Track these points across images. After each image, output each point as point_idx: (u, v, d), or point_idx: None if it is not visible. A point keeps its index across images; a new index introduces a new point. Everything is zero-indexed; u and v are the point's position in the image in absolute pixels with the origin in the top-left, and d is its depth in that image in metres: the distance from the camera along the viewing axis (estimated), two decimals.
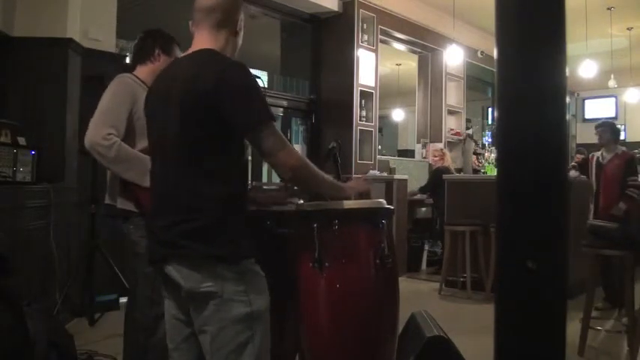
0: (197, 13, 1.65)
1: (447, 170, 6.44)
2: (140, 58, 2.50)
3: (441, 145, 7.86)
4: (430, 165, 7.42)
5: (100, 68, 4.18)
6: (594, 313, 3.87)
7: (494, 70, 0.82)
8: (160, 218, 1.57)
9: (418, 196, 6.79)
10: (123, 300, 3.63)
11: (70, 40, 4.09)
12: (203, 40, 1.64)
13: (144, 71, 2.46)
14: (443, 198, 5.70)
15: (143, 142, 2.32)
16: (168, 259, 1.54)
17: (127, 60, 4.93)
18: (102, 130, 2.22)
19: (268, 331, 1.58)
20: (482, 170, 7.96)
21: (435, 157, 6.85)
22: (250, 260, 1.56)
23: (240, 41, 1.72)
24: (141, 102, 2.34)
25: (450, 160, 6.90)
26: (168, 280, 1.58)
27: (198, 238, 1.50)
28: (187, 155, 1.53)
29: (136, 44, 2.58)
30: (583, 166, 5.15)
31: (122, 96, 2.32)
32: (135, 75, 2.45)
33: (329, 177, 1.74)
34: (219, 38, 1.64)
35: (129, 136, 2.31)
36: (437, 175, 6.31)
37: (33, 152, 3.65)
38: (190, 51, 1.65)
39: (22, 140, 3.72)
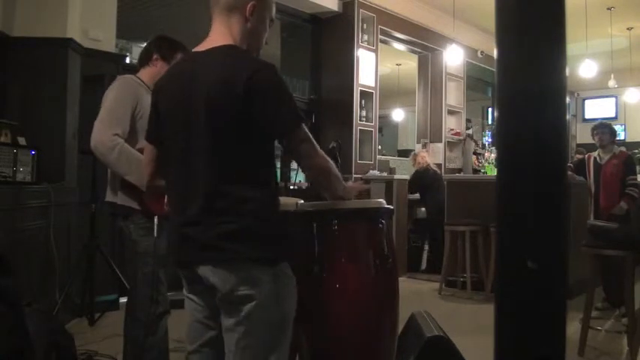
0: (212, 3, 1.60)
1: (425, 171, 6.48)
2: (141, 61, 2.56)
3: (418, 147, 7.81)
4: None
5: (100, 68, 4.19)
6: (594, 313, 3.88)
7: (494, 70, 0.82)
8: (193, 219, 1.51)
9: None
10: (123, 300, 3.63)
11: (70, 40, 4.09)
12: (217, 28, 1.58)
13: (144, 74, 2.52)
14: (431, 199, 5.74)
15: (144, 141, 2.35)
16: (205, 260, 1.50)
17: (127, 60, 4.94)
18: (107, 132, 2.27)
19: (291, 335, 1.57)
20: (482, 170, 7.96)
21: (415, 160, 6.80)
22: (285, 263, 1.54)
23: (261, 31, 1.63)
24: (143, 102, 2.39)
25: (427, 159, 6.76)
26: (196, 281, 1.54)
27: (237, 240, 1.47)
28: (223, 157, 1.49)
29: (143, 47, 2.65)
30: (579, 167, 5.15)
31: (126, 96, 2.36)
32: (137, 76, 2.51)
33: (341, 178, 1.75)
34: (231, 24, 1.57)
35: (131, 136, 2.35)
36: (414, 177, 6.45)
37: (33, 152, 3.65)
38: (208, 45, 1.57)
39: (22, 140, 3.72)
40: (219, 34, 1.57)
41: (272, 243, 1.51)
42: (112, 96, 2.37)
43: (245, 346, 1.48)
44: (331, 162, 1.64)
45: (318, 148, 1.58)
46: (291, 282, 1.56)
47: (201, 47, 1.60)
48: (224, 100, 1.46)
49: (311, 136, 1.56)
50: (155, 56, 2.51)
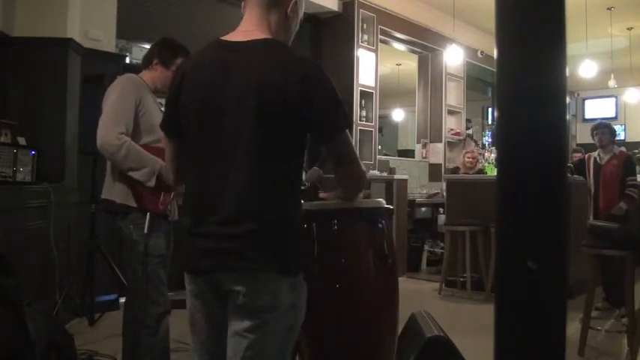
0: None
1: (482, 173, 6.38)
2: (144, 63, 2.59)
3: (472, 146, 7.49)
4: (457, 168, 6.66)
5: (100, 68, 4.19)
6: (594, 313, 3.88)
7: (494, 70, 0.82)
8: (218, 223, 1.41)
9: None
10: (123, 300, 3.63)
11: (70, 40, 4.09)
12: (252, 20, 1.49)
13: (145, 76, 2.54)
14: None
15: (147, 137, 2.38)
16: (229, 269, 1.42)
17: (127, 60, 4.94)
18: (113, 130, 2.28)
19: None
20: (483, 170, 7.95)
21: (473, 159, 6.43)
22: (302, 272, 1.48)
23: (294, 27, 1.60)
24: (145, 99, 2.41)
25: None
26: (211, 287, 1.47)
27: (265, 249, 1.39)
28: (266, 159, 1.40)
29: (148, 49, 2.67)
30: (578, 167, 5.15)
31: (129, 94, 2.38)
32: (139, 76, 2.53)
33: None
34: (270, 19, 1.50)
35: (135, 132, 2.36)
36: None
37: (33, 152, 3.65)
38: (245, 37, 1.46)
39: (22, 140, 3.72)
40: (256, 27, 1.48)
41: (295, 253, 1.45)
42: (115, 94, 2.39)
43: (253, 355, 1.41)
44: (366, 174, 1.62)
45: (358, 157, 1.55)
46: (305, 290, 1.50)
47: (235, 37, 1.48)
48: (275, 100, 1.38)
49: (353, 143, 1.53)
50: (155, 61, 2.52)
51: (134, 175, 2.30)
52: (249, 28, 1.49)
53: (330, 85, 1.45)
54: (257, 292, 1.40)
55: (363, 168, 1.58)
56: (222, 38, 1.51)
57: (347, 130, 1.48)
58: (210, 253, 1.43)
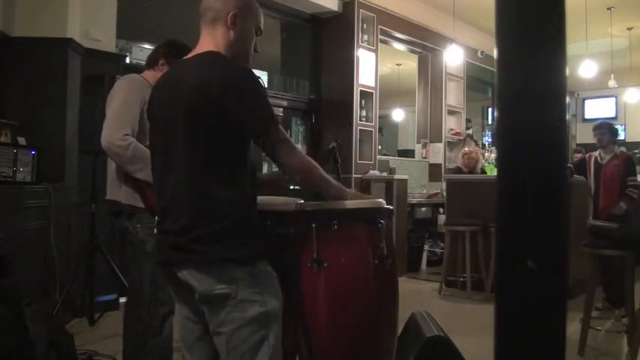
0: (201, 17, 1.69)
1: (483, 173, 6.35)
2: (148, 63, 2.59)
3: (470, 146, 7.26)
4: (460, 169, 6.43)
5: (100, 68, 4.19)
6: (594, 313, 3.88)
7: (494, 70, 0.82)
8: (170, 221, 1.57)
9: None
10: (123, 300, 3.63)
11: (70, 40, 4.09)
12: (203, 39, 1.67)
13: (149, 76, 2.53)
14: None
15: None
16: (181, 262, 1.54)
17: (127, 60, 4.94)
18: (119, 131, 2.27)
19: (280, 330, 1.60)
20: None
21: (470, 159, 6.26)
22: (263, 261, 1.58)
23: (246, 39, 1.69)
24: None
25: None
26: (179, 282, 1.58)
27: (212, 242, 1.51)
28: (198, 159, 1.54)
29: (153, 49, 2.68)
30: (579, 167, 5.15)
31: (134, 95, 2.37)
32: (142, 76, 2.53)
33: (332, 179, 1.76)
34: (215, 35, 1.65)
35: (140, 134, 2.35)
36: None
37: (33, 152, 3.65)
38: (193, 53, 1.67)
39: (22, 140, 3.73)
40: (205, 44, 1.65)
41: (247, 242, 1.55)
42: (120, 96, 2.38)
43: (233, 347, 1.52)
44: (313, 162, 1.65)
45: (296, 148, 1.62)
46: (269, 278, 1.59)
47: (188, 56, 1.68)
48: (200, 103, 1.51)
49: (288, 136, 1.59)
50: (161, 61, 2.52)
51: (141, 175, 2.29)
52: (199, 47, 1.66)
53: (254, 85, 1.55)
54: (209, 283, 1.50)
55: (305, 162, 1.63)
56: (182, 58, 1.71)
57: (278, 125, 1.56)
58: (168, 247, 1.58)
